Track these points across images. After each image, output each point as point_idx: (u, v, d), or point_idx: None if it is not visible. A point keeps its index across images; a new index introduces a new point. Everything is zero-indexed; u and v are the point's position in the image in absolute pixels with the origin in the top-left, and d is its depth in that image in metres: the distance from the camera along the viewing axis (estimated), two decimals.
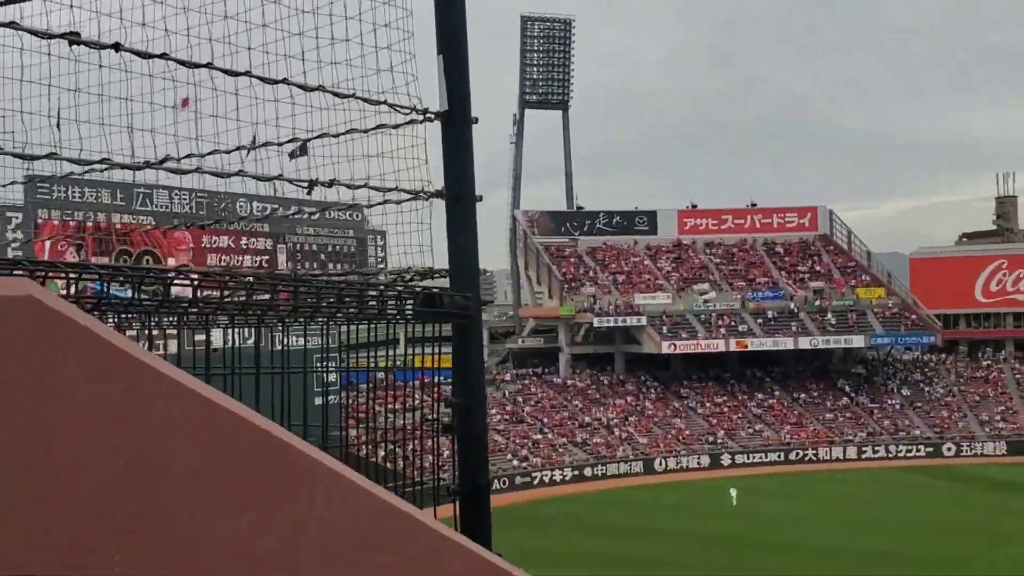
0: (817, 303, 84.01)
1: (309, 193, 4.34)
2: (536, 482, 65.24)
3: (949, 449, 72.97)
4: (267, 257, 49.15)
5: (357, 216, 51.96)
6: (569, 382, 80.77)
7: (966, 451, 72.81)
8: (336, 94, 4.35)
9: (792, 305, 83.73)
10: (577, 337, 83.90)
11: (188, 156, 4.54)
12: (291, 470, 2.77)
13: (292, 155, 4.89)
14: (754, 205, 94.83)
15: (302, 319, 3.78)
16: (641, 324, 79.78)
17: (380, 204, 4.67)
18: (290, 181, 4.28)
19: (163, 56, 3.71)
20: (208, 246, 48.41)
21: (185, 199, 44.37)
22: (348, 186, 4.46)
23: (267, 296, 3.76)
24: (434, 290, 4.35)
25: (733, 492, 57.39)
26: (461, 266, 4.63)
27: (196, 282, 3.41)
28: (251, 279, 3.74)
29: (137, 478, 2.38)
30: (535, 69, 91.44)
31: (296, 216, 47.95)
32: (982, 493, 59.02)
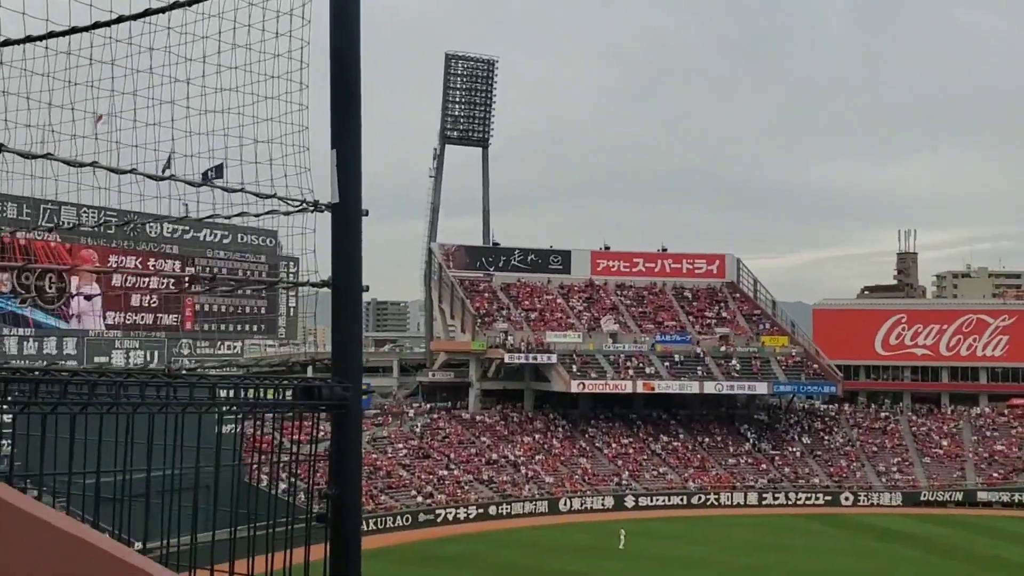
0: (723, 349, 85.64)
1: (164, 174, 4.34)
2: (440, 520, 64.86)
3: (847, 498, 74.79)
4: (173, 281, 48.19)
5: (270, 241, 51.40)
6: (478, 418, 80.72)
7: (863, 501, 74.71)
8: (225, 189, 4.39)
9: (698, 350, 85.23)
10: (488, 372, 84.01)
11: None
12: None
13: (205, 176, 4.89)
14: (665, 250, 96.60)
15: (173, 414, 3.80)
16: (551, 362, 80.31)
17: (267, 214, 4.71)
18: (180, 180, 4.29)
19: (46, 156, 3.72)
20: (115, 265, 47.28)
21: (93, 216, 43.35)
22: (224, 189, 4.47)
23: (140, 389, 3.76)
24: (313, 381, 4.41)
25: (622, 534, 57.86)
26: (344, 355, 4.69)
27: (65, 382, 3.40)
28: (124, 375, 3.74)
29: None
30: (457, 106, 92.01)
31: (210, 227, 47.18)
32: (877, 542, 60.58)
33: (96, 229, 42.75)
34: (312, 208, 4.67)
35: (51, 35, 4.70)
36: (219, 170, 4.87)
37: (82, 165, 4.42)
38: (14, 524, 2.46)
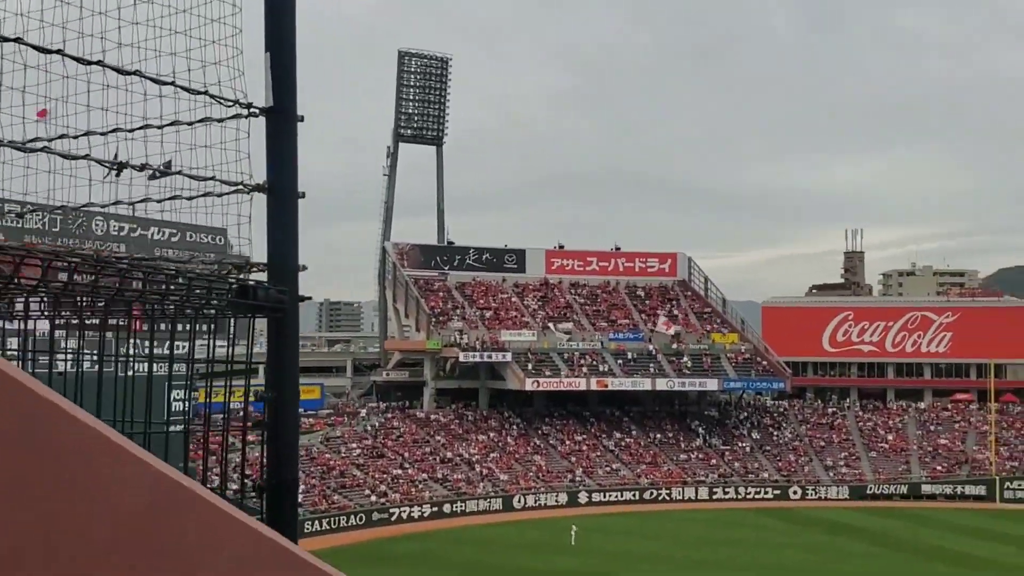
0: (674, 346, 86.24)
1: (118, 175, 4.28)
2: (394, 518, 64.51)
3: (795, 492, 75.64)
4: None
5: (219, 239, 50.72)
6: (433, 417, 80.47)
7: (811, 495, 75.59)
8: (156, 80, 4.32)
9: (651, 347, 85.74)
10: (442, 371, 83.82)
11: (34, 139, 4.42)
12: (66, 441, 2.74)
13: (153, 175, 4.80)
14: (618, 249, 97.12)
15: (104, 301, 3.71)
16: (506, 360, 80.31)
17: (200, 196, 4.64)
18: (99, 162, 4.21)
19: None
20: (62, 264, 46.33)
21: (39, 215, 42.45)
22: (162, 172, 4.41)
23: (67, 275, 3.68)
24: (249, 282, 4.35)
25: (574, 530, 57.99)
26: (279, 261, 4.64)
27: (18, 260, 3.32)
28: (50, 256, 3.65)
29: None
30: (411, 104, 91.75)
31: (156, 238, 46.55)
32: (825, 536, 61.33)
33: (41, 227, 41.97)
34: (247, 111, 4.61)
35: None
36: (168, 166, 4.79)
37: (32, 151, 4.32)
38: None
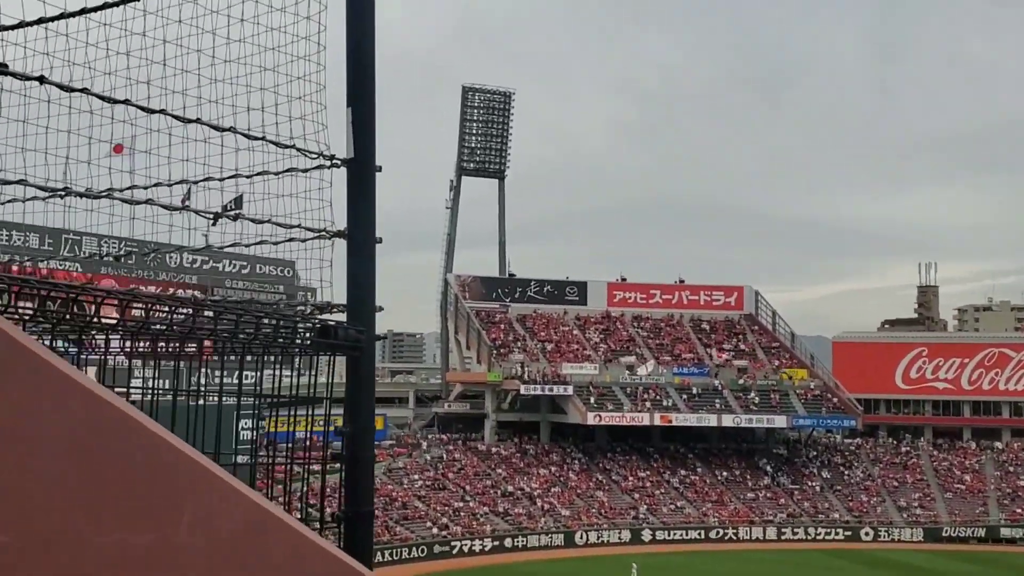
0: (741, 382, 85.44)
1: (214, 223, 4.66)
2: (455, 551, 64.68)
3: (867, 533, 74.19)
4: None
5: (287, 272, 51.89)
6: (494, 449, 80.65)
7: (884, 536, 74.08)
8: (248, 136, 4.70)
9: (716, 382, 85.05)
10: (503, 404, 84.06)
11: (131, 188, 4.83)
12: (169, 468, 3.09)
13: (218, 215, 5.15)
14: (682, 282, 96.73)
15: (198, 340, 4.07)
16: (568, 393, 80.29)
17: (285, 241, 5.01)
18: (197, 212, 4.60)
19: (84, 91, 4.04)
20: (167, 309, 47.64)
21: (115, 247, 43.88)
22: (253, 220, 4.79)
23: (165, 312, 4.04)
24: (330, 322, 4.68)
25: (635, 568, 57.46)
26: (357, 302, 4.98)
27: (99, 299, 3.69)
28: (154, 299, 4.02)
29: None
30: (474, 138, 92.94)
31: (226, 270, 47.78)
32: None
33: (117, 259, 43.36)
34: (329, 162, 4.98)
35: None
36: (238, 202, 5.16)
37: (97, 196, 4.69)
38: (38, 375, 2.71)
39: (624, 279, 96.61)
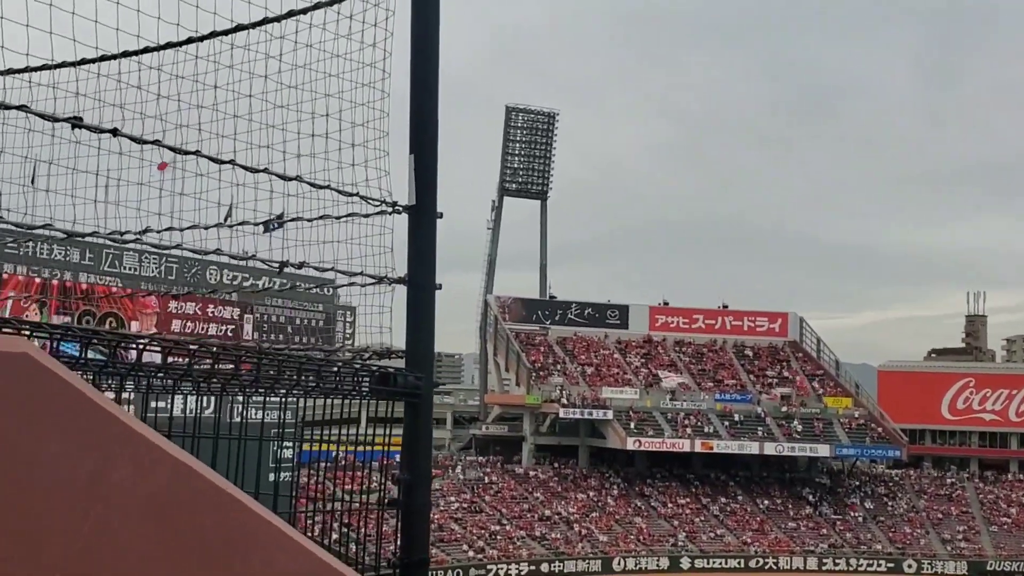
0: (784, 409, 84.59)
1: (280, 272, 4.72)
2: (491, 575, 64.48)
3: (910, 566, 72.96)
4: (232, 326, 49.06)
5: (327, 290, 52.23)
6: (531, 473, 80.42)
7: (927, 569, 72.81)
8: (313, 185, 4.77)
9: (759, 409, 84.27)
10: (542, 427, 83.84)
11: (168, 229, 4.92)
12: (240, 526, 3.13)
13: (267, 226, 5.23)
14: (725, 307, 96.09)
15: (263, 390, 4.12)
16: (607, 418, 79.91)
17: (346, 285, 5.06)
18: (263, 261, 4.66)
19: (156, 143, 4.12)
20: (174, 311, 48.23)
21: (155, 263, 44.48)
22: (317, 268, 4.84)
23: (231, 366, 4.09)
24: (389, 369, 4.71)
25: None
26: (417, 349, 5.00)
27: (167, 349, 3.75)
28: (217, 349, 4.07)
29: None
30: (516, 159, 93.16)
31: (266, 289, 48.24)
32: None
33: (157, 275, 43.93)
34: (391, 209, 5.02)
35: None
36: (279, 219, 5.23)
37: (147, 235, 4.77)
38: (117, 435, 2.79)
39: (666, 303, 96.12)
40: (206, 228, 5.06)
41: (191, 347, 4.02)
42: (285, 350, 4.50)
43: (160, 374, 3.92)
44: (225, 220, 5.18)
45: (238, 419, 4.92)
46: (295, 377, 4.24)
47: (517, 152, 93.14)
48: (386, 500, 4.83)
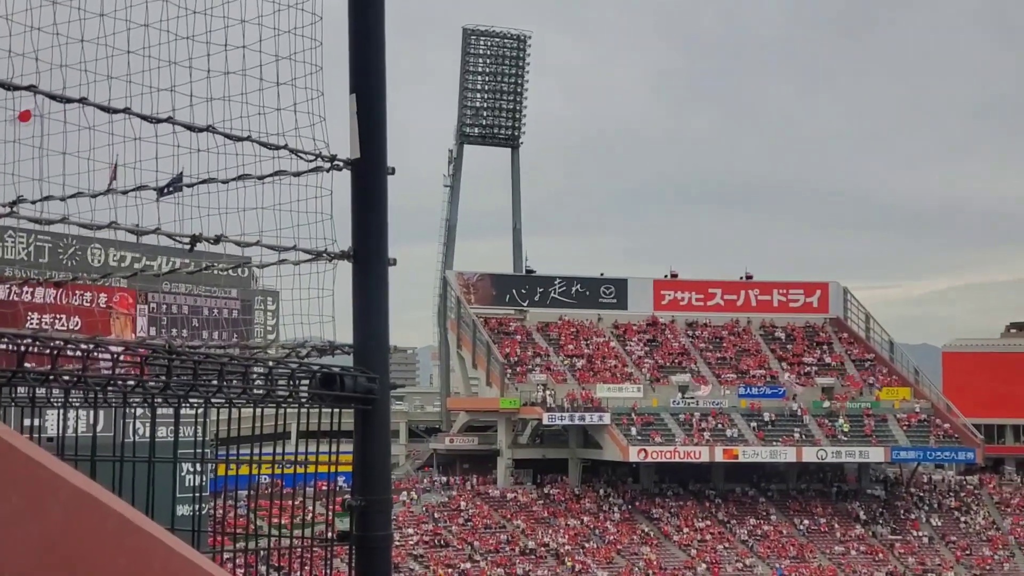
0: (826, 404, 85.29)
1: (191, 250, 4.72)
2: None
3: None
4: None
5: (243, 272, 52.00)
6: (509, 495, 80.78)
7: None
8: (228, 136, 4.76)
9: (795, 406, 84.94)
10: (521, 437, 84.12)
11: (47, 199, 4.92)
12: (153, 565, 3.18)
13: (162, 191, 5.22)
14: (750, 277, 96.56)
15: (174, 399, 4.13)
16: (603, 423, 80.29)
17: (275, 264, 5.07)
18: (169, 235, 4.66)
19: (30, 88, 4.11)
20: (26, 301, 47.70)
21: (22, 243, 44.09)
22: (237, 243, 4.85)
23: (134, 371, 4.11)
24: (334, 369, 4.74)
25: None
26: (368, 342, 5.02)
27: (55, 352, 3.77)
28: (119, 350, 4.09)
29: None
30: (478, 96, 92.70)
31: (170, 272, 48.05)
32: None
33: (25, 257, 43.60)
34: (329, 164, 5.03)
35: None
36: (178, 181, 5.21)
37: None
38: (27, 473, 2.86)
39: (675, 275, 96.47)
40: (93, 196, 5.06)
41: (89, 348, 4.03)
42: (201, 348, 4.52)
43: (47, 382, 3.94)
44: (110, 185, 5.17)
45: (138, 437, 4.96)
46: (216, 382, 4.26)
47: (479, 87, 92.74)
48: (333, 534, 4.87)
